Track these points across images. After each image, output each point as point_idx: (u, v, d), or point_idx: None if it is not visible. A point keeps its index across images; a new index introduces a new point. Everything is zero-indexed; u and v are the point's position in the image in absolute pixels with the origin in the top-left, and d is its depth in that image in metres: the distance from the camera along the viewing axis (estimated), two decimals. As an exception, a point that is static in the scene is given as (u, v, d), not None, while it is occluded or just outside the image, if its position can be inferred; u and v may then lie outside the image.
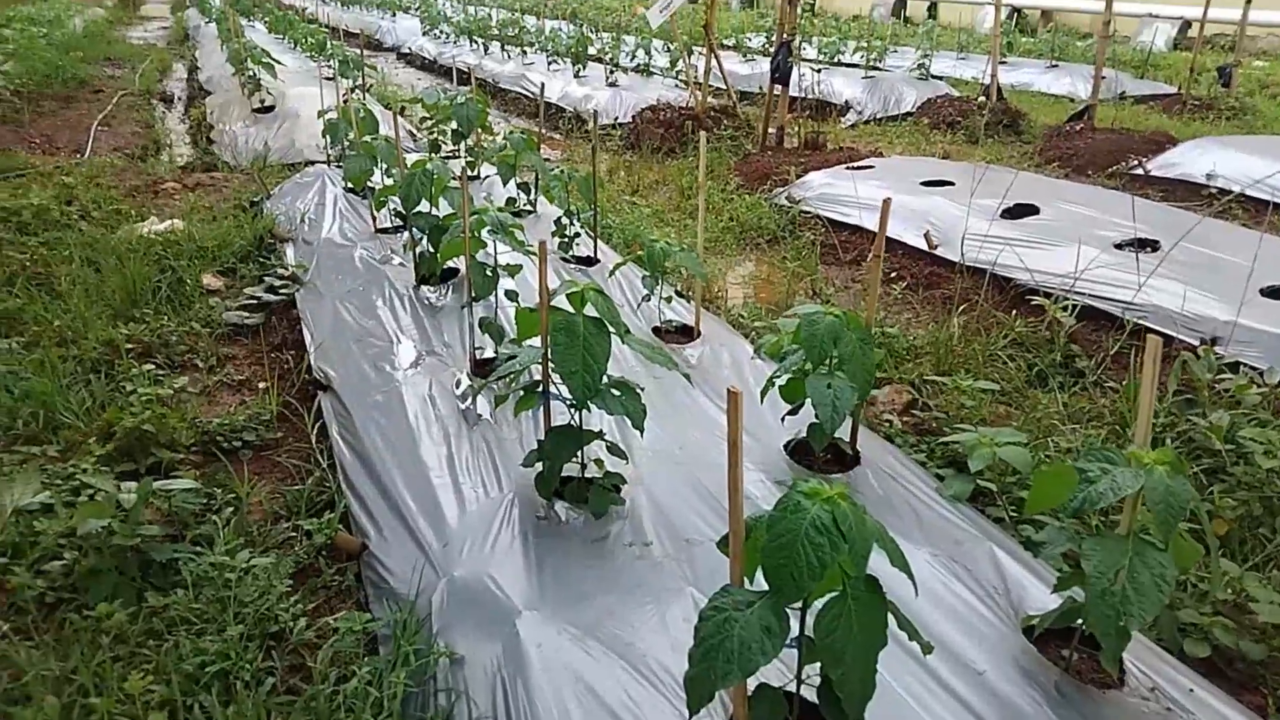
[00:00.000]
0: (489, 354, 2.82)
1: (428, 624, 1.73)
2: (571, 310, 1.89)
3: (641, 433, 1.88)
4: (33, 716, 1.70)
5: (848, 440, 2.29)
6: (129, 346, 3.27)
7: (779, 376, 2.14)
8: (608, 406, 1.85)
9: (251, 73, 7.20)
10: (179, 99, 9.33)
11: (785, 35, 6.08)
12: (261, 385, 3.21)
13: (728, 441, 1.22)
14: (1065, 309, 3.39)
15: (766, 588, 1.22)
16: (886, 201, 2.17)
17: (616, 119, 7.82)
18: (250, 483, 2.53)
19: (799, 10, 6.14)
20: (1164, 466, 1.50)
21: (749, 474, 2.15)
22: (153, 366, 3.12)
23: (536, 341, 2.03)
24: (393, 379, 2.76)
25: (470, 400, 2.55)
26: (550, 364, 1.91)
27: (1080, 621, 1.66)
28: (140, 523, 2.14)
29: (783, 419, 2.28)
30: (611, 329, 1.83)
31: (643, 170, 6.36)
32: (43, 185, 5.07)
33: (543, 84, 5.24)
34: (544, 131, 7.80)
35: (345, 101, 4.94)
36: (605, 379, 1.86)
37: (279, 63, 7.51)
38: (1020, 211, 4.37)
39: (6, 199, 4.70)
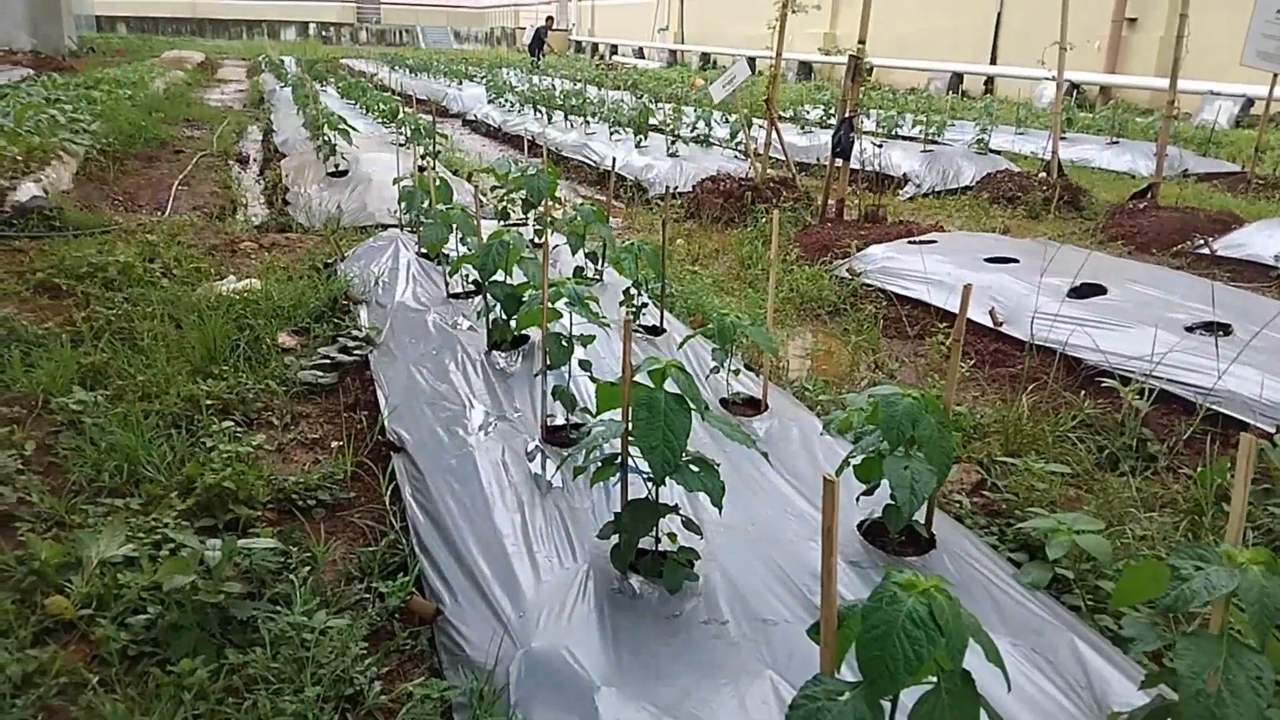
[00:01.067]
0: (559, 421, 2.86)
1: (505, 695, 1.75)
2: (652, 385, 1.93)
3: (720, 510, 1.89)
4: (118, 770, 1.74)
5: (922, 522, 2.27)
6: (209, 402, 3.37)
7: (854, 456, 2.14)
8: (687, 483, 1.87)
9: (328, 138, 7.47)
10: (254, 160, 9.69)
11: (848, 112, 6.18)
12: (334, 444, 3.28)
13: (822, 529, 1.23)
14: (1138, 392, 3.36)
15: (857, 677, 1.22)
16: (967, 287, 2.19)
17: (676, 188, 7.95)
18: (325, 542, 2.58)
19: (861, 88, 6.23)
20: (1259, 566, 1.48)
21: (819, 553, 2.14)
22: (232, 423, 3.21)
23: (616, 414, 2.07)
24: (466, 443, 2.80)
25: (544, 468, 2.58)
26: (630, 438, 1.94)
27: (1170, 721, 1.62)
28: (223, 579, 2.20)
29: (857, 499, 2.28)
30: (692, 405, 1.86)
31: (702, 239, 6.45)
32: (127, 242, 5.29)
33: (614, 159, 5.37)
34: (603, 199, 7.96)
35: (420, 169, 5.11)
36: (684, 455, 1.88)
37: (354, 129, 7.79)
38: (1087, 291, 4.35)
39: (94, 255, 4.91)
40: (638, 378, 1.94)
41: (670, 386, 1.91)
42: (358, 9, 48.38)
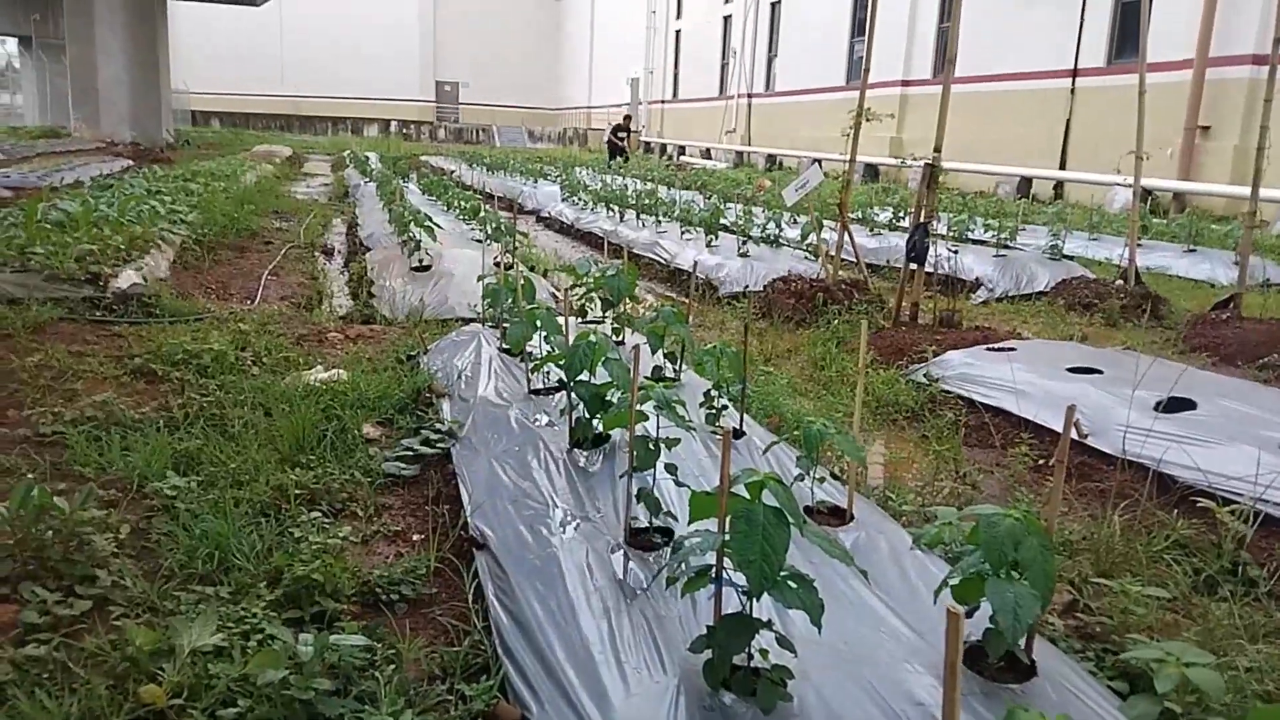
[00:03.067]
0: (643, 524, 2.86)
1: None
2: (748, 496, 1.93)
3: (819, 627, 1.86)
4: None
5: (1022, 648, 2.21)
6: (297, 492, 3.44)
7: (953, 577, 2.10)
8: (785, 599, 1.85)
9: (413, 234, 7.75)
10: (339, 252, 10.06)
11: (922, 217, 6.23)
12: (416, 537, 3.32)
13: (946, 664, 1.21)
14: (1236, 514, 3.25)
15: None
16: (1071, 409, 2.17)
17: (747, 287, 8.04)
18: (407, 639, 2.59)
19: (937, 193, 6.29)
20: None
21: (920, 678, 2.09)
22: (319, 513, 3.27)
23: (709, 524, 2.07)
24: (549, 543, 2.81)
25: (626, 573, 2.57)
26: (726, 550, 1.93)
27: None
28: (313, 675, 2.21)
29: (955, 620, 2.23)
30: (791, 520, 1.86)
31: (774, 339, 6.49)
32: (220, 330, 5.49)
33: (694, 262, 5.48)
34: (680, 299, 8.07)
35: (505, 268, 5.25)
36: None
37: (438, 226, 8.08)
38: (1175, 405, 4.26)
39: (189, 342, 5.11)
40: (734, 489, 1.94)
41: (768, 498, 1.91)
42: (437, 108, 50.58)
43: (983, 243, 10.37)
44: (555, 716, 2.06)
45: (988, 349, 5.40)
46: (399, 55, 49.67)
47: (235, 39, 45.68)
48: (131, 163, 18.99)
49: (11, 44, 39.10)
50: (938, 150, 6.28)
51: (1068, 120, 18.55)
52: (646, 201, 11.79)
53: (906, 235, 6.58)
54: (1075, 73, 18.39)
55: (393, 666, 2.43)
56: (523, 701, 2.19)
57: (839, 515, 3.00)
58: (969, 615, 2.19)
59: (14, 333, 5.24)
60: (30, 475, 3.42)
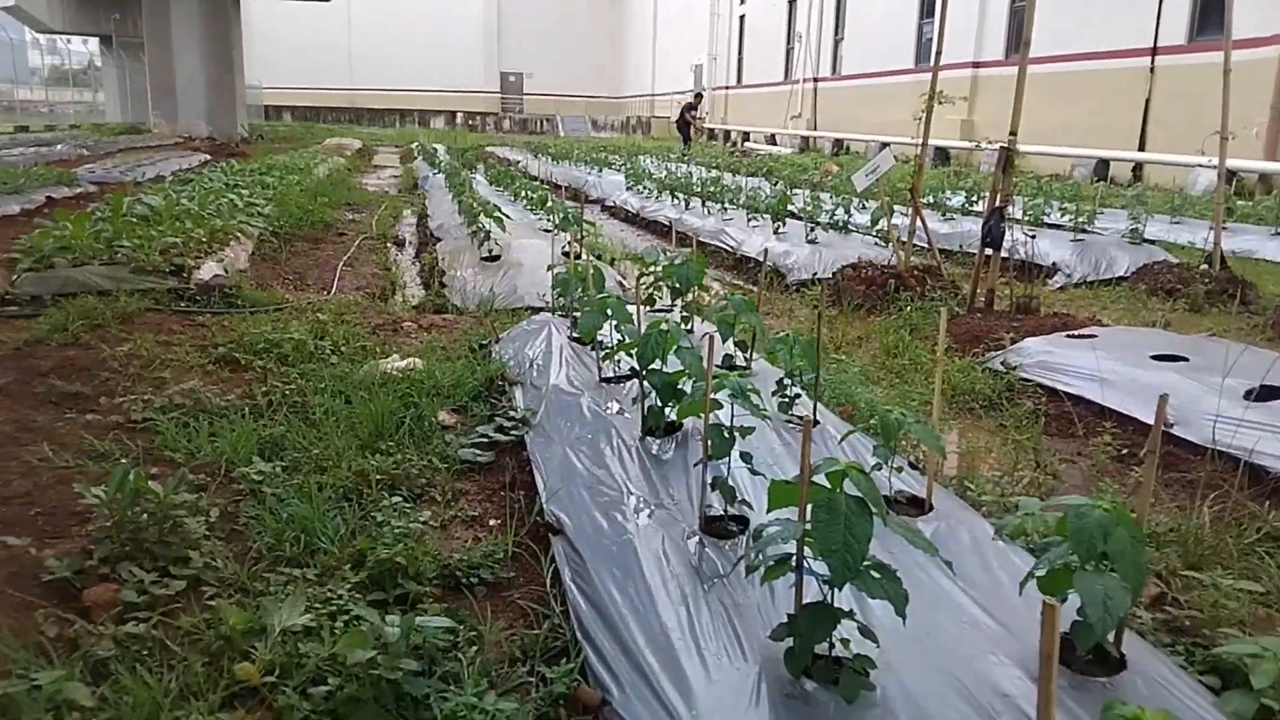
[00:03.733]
0: (717, 512, 2.86)
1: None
2: (829, 485, 1.92)
3: (903, 617, 1.85)
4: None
5: (1111, 641, 2.16)
6: (377, 477, 3.52)
7: (1039, 568, 2.07)
8: (869, 589, 1.84)
9: (482, 225, 7.85)
10: (409, 243, 10.23)
11: (999, 201, 6.10)
12: (493, 522, 3.37)
13: (1041, 654, 1.20)
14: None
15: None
16: (1164, 398, 2.11)
17: (815, 274, 7.96)
18: (488, 621, 2.63)
19: (1013, 177, 6.15)
20: None
21: (1005, 670, 2.07)
22: (399, 498, 3.35)
23: (787, 513, 2.06)
24: (625, 530, 2.84)
25: (703, 561, 2.58)
26: (807, 539, 1.93)
27: None
28: (400, 655, 2.27)
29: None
30: (874, 509, 1.85)
31: (844, 326, 6.42)
32: (299, 320, 5.63)
33: (765, 250, 5.44)
34: (746, 286, 8.03)
35: (574, 257, 5.29)
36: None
37: (507, 217, 8.16)
38: (1267, 394, 4.11)
39: (270, 332, 5.25)
40: (815, 478, 1.93)
41: (849, 488, 1.90)
42: (502, 99, 51.00)
43: (1059, 227, 10.12)
44: (637, 701, 2.08)
45: (1067, 336, 5.28)
46: (464, 47, 50.18)
47: (305, 34, 46.61)
48: (208, 157, 19.54)
49: (93, 43, 40.45)
50: (1014, 133, 6.14)
51: (1147, 100, 17.94)
52: (712, 189, 11.74)
53: (981, 220, 6.45)
54: (1154, 51, 17.77)
55: (474, 648, 2.48)
56: (603, 685, 2.22)
57: (917, 505, 2.97)
58: (1055, 607, 2.15)
59: (104, 323, 5.43)
60: (124, 460, 3.55)
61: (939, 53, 7.05)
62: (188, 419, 3.99)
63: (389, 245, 9.91)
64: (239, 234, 8.06)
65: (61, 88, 49.59)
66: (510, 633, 2.64)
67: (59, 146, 20.20)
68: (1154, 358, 4.73)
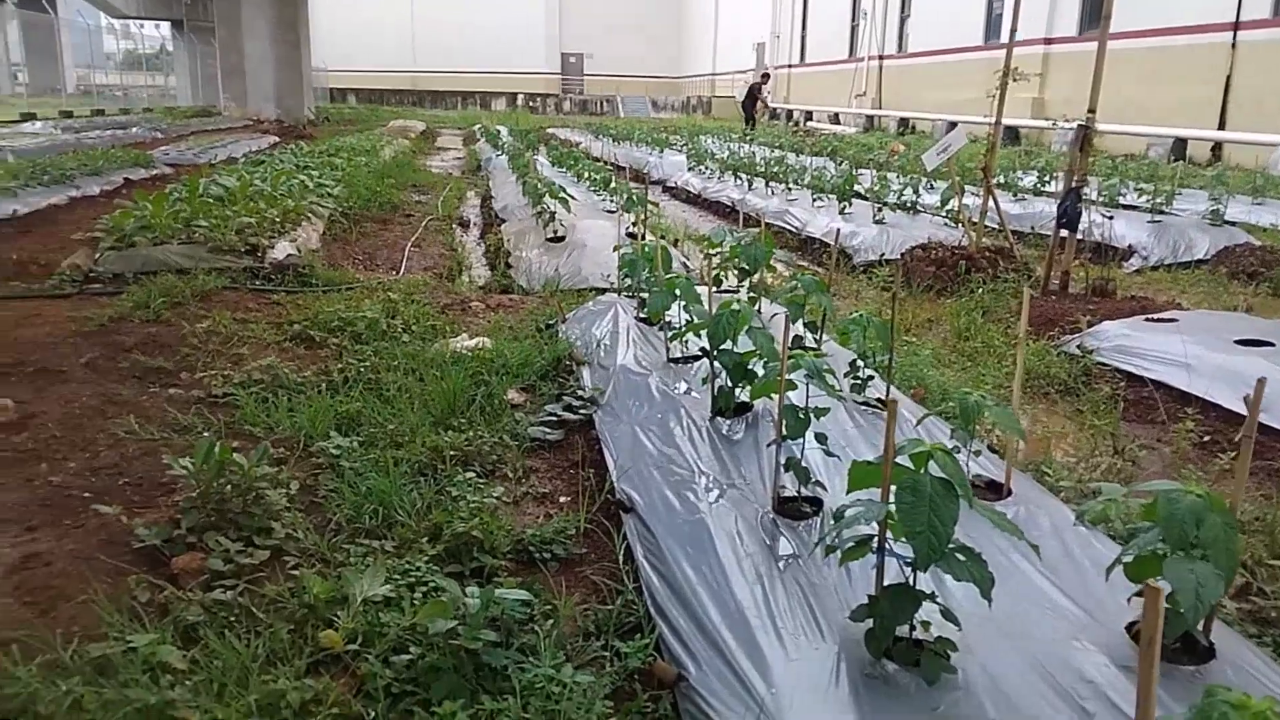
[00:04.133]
0: (790, 493, 2.85)
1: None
2: (913, 467, 1.90)
3: (989, 600, 1.83)
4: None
5: (1200, 629, 2.11)
6: (450, 453, 3.57)
7: (1126, 554, 2.02)
8: (954, 571, 1.82)
9: (548, 206, 7.89)
10: (474, 224, 10.33)
11: (1075, 181, 5.94)
12: (562, 499, 3.41)
13: (1142, 638, 1.17)
14: None
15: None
16: (1261, 382, 2.05)
17: (883, 255, 7.86)
18: (562, 596, 2.67)
19: (1090, 156, 5.98)
20: None
21: (1090, 656, 2.03)
22: (472, 474, 3.40)
23: (865, 494, 2.05)
24: (697, 509, 2.84)
25: (776, 541, 2.58)
26: (889, 521, 1.91)
27: None
28: (479, 626, 2.31)
29: (1129, 600, 2.15)
30: (959, 491, 1.82)
31: (914, 308, 6.33)
32: (370, 299, 5.73)
33: (837, 230, 5.38)
34: (812, 267, 7.96)
35: (631, 236, 5.29)
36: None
37: (572, 198, 8.19)
38: (1359, 380, 3.95)
39: (343, 310, 5.35)
40: (898, 459, 1.92)
41: (933, 469, 1.88)
42: (562, 80, 51.06)
43: (1134, 208, 9.82)
44: (714, 677, 2.09)
45: (1146, 320, 5.14)
46: (526, 28, 50.29)
47: (369, 16, 47.20)
48: (277, 139, 19.93)
49: (165, 28, 41.41)
50: (1092, 111, 5.97)
51: (1228, 77, 17.28)
52: (775, 169, 11.63)
53: (1056, 201, 6.29)
54: (1237, 25, 17.09)
55: (550, 621, 2.51)
56: (678, 661, 2.23)
57: (995, 490, 2.92)
58: (1139, 595, 2.11)
59: (184, 300, 5.59)
60: (206, 434, 3.66)
61: (1014, 29, 6.88)
62: (266, 394, 4.09)
63: (454, 226, 10.02)
64: (310, 214, 8.21)
65: (135, 72, 50.95)
66: (584, 607, 2.67)
67: (133, 129, 20.78)
68: (1238, 342, 4.58)
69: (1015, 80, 6.73)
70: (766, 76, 28.89)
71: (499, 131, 20.88)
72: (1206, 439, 3.93)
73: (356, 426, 3.82)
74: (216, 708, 2.08)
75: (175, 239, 6.65)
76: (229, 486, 3.00)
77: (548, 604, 2.61)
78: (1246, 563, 2.93)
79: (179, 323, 5.18)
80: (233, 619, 2.49)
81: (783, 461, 2.78)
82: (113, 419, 3.86)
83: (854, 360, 3.72)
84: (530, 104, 45.63)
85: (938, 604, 1.99)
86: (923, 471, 1.88)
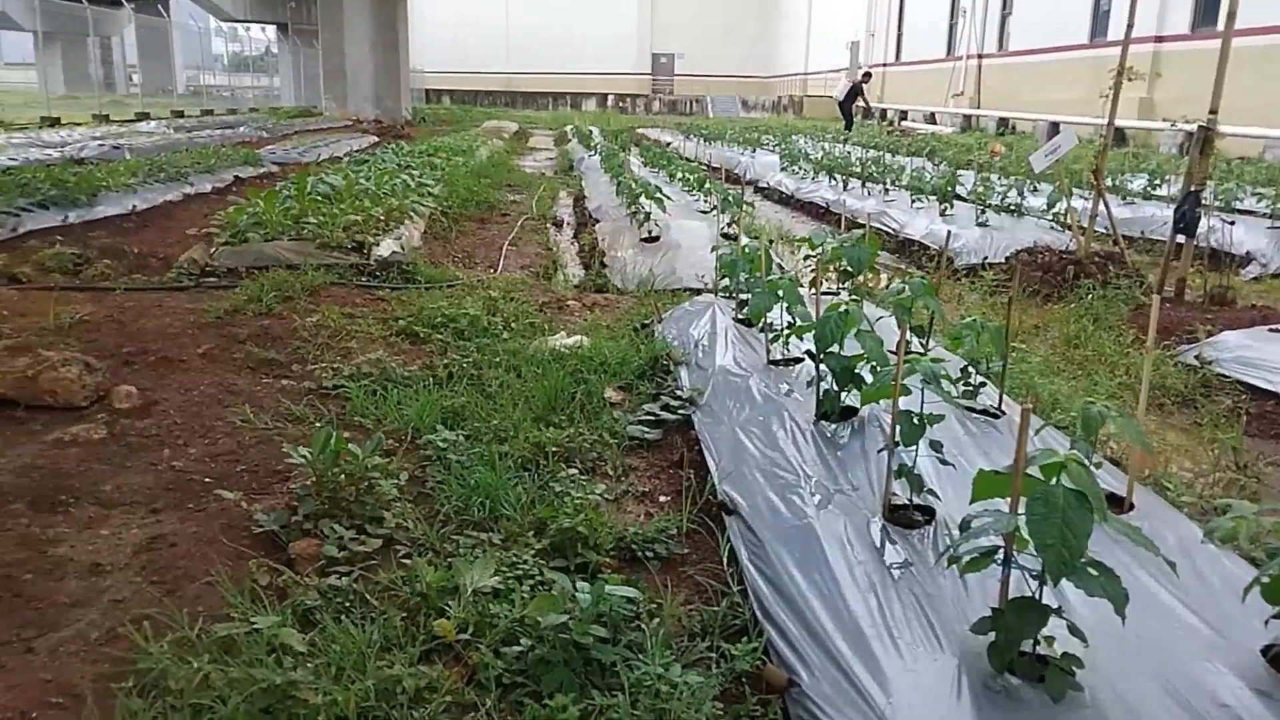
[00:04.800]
0: (900, 501, 2.80)
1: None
2: (1042, 478, 1.85)
3: (1123, 617, 1.77)
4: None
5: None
6: (553, 449, 3.61)
7: (1265, 575, 1.93)
8: (1087, 586, 1.76)
9: (643, 206, 7.92)
10: (567, 224, 10.43)
11: (1195, 185, 5.70)
12: (663, 499, 3.41)
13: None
14: None
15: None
16: None
17: (986, 259, 7.67)
18: (667, 596, 2.67)
19: (1211, 160, 5.73)
20: None
21: (1222, 678, 1.95)
22: (575, 470, 3.43)
23: (990, 504, 2.00)
24: (804, 513, 2.81)
25: (888, 549, 2.54)
26: (1019, 533, 1.86)
27: None
28: (588, 621, 2.33)
29: (1265, 622, 2.05)
30: (1093, 505, 1.76)
31: (1020, 315, 6.14)
32: (471, 296, 5.83)
33: (949, 232, 5.27)
34: (910, 270, 7.81)
35: (736, 238, 5.26)
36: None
37: (667, 198, 8.21)
38: None
39: (446, 307, 5.46)
40: (1029, 469, 1.86)
41: (1065, 481, 1.82)
42: (653, 80, 51.22)
43: (1251, 213, 9.37)
44: (827, 684, 2.06)
45: (1270, 330, 4.90)
46: (617, 30, 50.59)
47: (465, 19, 48.10)
48: (376, 139, 20.47)
49: (271, 30, 42.93)
50: (1214, 112, 5.72)
51: (1357, 74, 16.34)
52: (872, 169, 11.45)
53: (1167, 205, 6.05)
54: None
55: (655, 620, 2.52)
56: (788, 666, 2.22)
57: (1117, 503, 2.82)
58: (1277, 617, 2.01)
59: (294, 295, 5.78)
60: (319, 424, 3.78)
61: (1131, 24, 6.63)
62: (375, 387, 4.20)
63: (549, 225, 10.13)
64: (412, 213, 8.41)
65: (241, 73, 52.99)
66: (689, 608, 2.66)
67: (240, 129, 21.60)
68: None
69: (1130, 80, 6.49)
70: (868, 75, 28.22)
71: (590, 132, 21.05)
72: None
73: (461, 421, 3.89)
74: (336, 690, 2.13)
75: (285, 235, 6.88)
76: (343, 476, 3.09)
77: (653, 602, 2.61)
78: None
79: (290, 316, 5.35)
80: (348, 605, 2.56)
81: (895, 468, 2.74)
82: (229, 407, 4.01)
83: (965, 366, 3.64)
84: (620, 104, 45.91)
85: (1064, 619, 1.93)
86: (1055, 482, 1.83)
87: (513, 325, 5.32)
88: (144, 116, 24.68)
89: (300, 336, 4.99)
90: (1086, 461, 2.53)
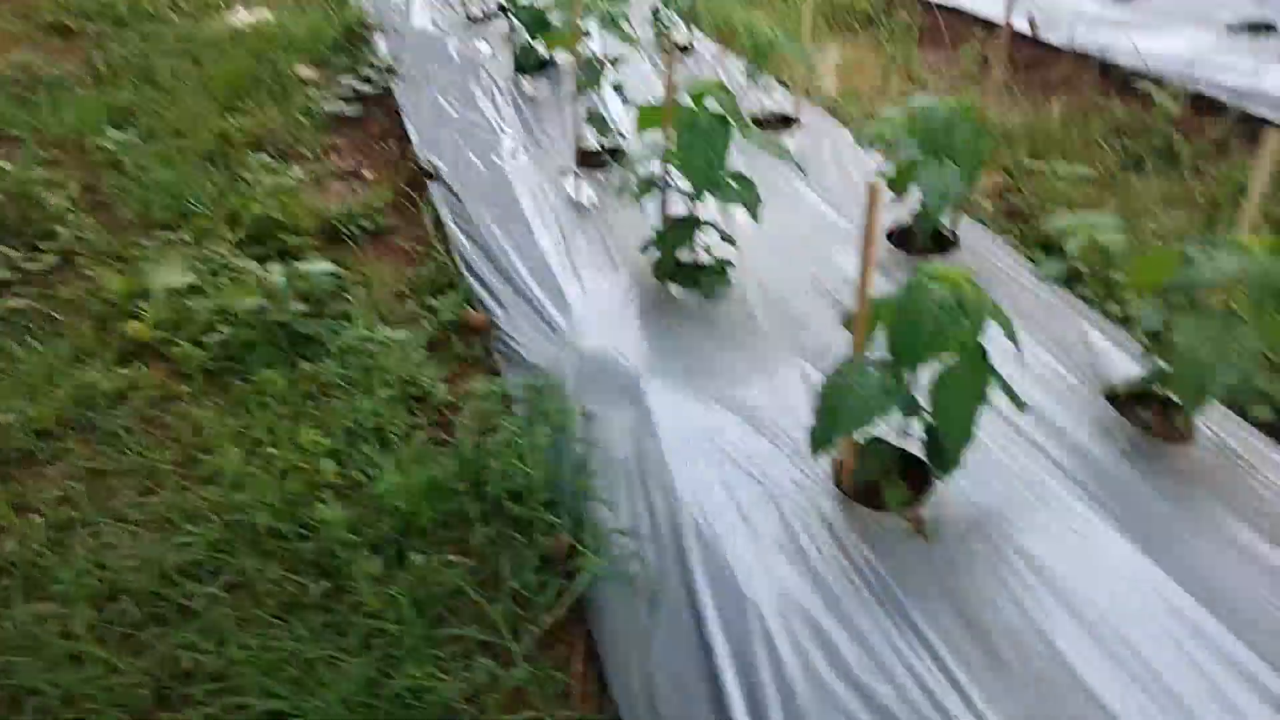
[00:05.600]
0: (592, 145, 2.88)
1: (561, 389, 1.92)
2: (693, 105, 1.95)
3: (756, 219, 1.97)
4: (220, 464, 1.95)
5: (947, 225, 2.35)
6: (240, 137, 3.39)
7: (888, 167, 2.19)
8: (725, 195, 1.93)
9: None
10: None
11: None
12: (367, 174, 3.33)
13: (865, 231, 1.32)
14: (1171, 95, 3.30)
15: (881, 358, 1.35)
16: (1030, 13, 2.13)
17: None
18: (373, 266, 2.70)
19: None
20: (1266, 252, 1.56)
21: (850, 258, 2.25)
22: (266, 156, 3.26)
23: (656, 135, 2.10)
24: (501, 169, 2.85)
25: (580, 191, 2.65)
26: (672, 157, 1.98)
27: (1159, 387, 1.79)
28: (288, 301, 2.34)
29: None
30: (732, 122, 1.89)
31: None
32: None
33: None
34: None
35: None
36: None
37: None
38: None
39: (101, -9, 4.74)
40: (679, 98, 1.95)
41: (711, 105, 1.93)
42: None
43: None
44: (519, 318, 2.22)
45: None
46: None
47: None
48: None
49: None
50: None
51: None
52: None
53: None
54: None
55: (363, 290, 2.57)
56: (488, 310, 2.35)
57: (786, 122, 3.03)
58: (898, 198, 2.31)
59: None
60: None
61: None
62: (24, 94, 3.70)
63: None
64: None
65: None
66: (397, 275, 2.71)
67: None
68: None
69: None
70: None
71: None
72: (988, 58, 4.10)
73: (133, 119, 3.55)
74: (29, 407, 2.09)
75: None
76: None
77: (360, 275, 2.64)
78: (1008, 166, 3.20)
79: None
80: (31, 325, 2.44)
81: (584, 115, 2.78)
82: None
83: (655, 7, 3.62)
84: None
85: (718, 229, 2.14)
86: (701, 108, 1.93)
87: (182, 5, 4.72)
88: None
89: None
90: (730, 87, 2.68)
